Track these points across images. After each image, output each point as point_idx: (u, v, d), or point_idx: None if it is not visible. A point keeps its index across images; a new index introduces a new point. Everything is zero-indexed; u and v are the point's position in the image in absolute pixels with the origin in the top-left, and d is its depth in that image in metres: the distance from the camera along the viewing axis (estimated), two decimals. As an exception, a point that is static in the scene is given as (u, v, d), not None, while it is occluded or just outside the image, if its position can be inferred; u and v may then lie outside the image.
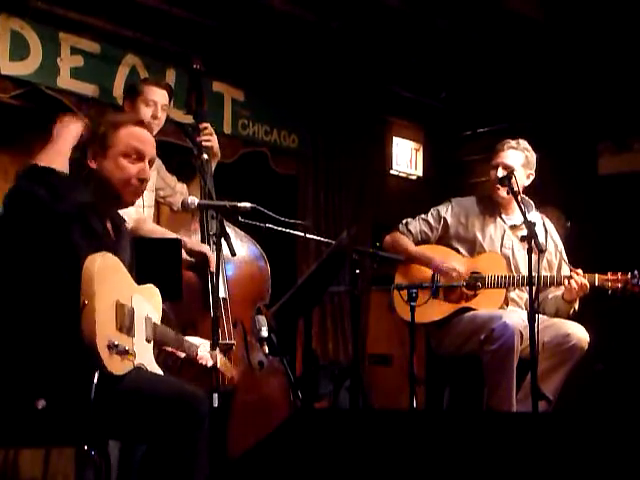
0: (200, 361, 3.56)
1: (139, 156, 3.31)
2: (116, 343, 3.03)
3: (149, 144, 3.37)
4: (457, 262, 4.92)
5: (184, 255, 4.37)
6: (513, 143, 4.95)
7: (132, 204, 3.44)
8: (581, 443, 3.14)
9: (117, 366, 3.05)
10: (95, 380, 2.98)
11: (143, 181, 3.33)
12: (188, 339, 3.57)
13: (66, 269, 3.05)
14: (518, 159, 4.92)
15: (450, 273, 4.87)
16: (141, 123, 3.42)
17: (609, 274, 4.72)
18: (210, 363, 3.59)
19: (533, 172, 4.98)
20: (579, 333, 4.69)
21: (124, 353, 3.08)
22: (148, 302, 3.30)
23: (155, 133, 4.57)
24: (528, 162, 4.95)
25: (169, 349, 3.52)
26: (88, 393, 2.98)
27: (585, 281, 4.70)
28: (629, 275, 4.68)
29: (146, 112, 4.65)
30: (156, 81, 4.84)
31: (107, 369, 3.00)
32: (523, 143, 4.96)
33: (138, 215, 4.43)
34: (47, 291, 3.07)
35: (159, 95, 4.73)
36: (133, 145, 3.29)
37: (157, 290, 3.42)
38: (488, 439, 3.25)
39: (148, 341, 3.29)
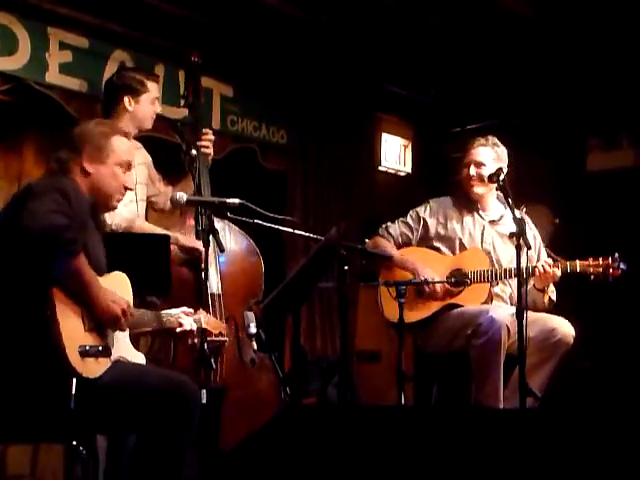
0: (183, 329, 3.57)
1: (128, 167, 3.51)
2: (87, 347, 3.08)
3: (133, 155, 3.61)
4: (438, 264, 4.92)
5: (177, 251, 4.37)
6: (482, 140, 5.01)
7: (114, 210, 3.64)
8: (569, 439, 3.15)
9: (92, 369, 3.11)
10: (73, 390, 3.01)
11: (127, 189, 3.53)
12: (166, 312, 3.59)
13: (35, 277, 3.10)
14: (488, 155, 4.97)
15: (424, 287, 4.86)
16: (127, 135, 3.61)
17: (590, 259, 4.73)
18: (194, 327, 3.61)
19: (505, 166, 4.99)
20: (564, 328, 4.71)
21: (98, 353, 3.12)
22: (115, 291, 3.32)
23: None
24: (498, 157, 4.99)
25: (147, 329, 3.54)
26: (68, 402, 3.01)
27: (550, 269, 4.70)
28: (610, 259, 4.70)
29: (151, 110, 4.61)
30: (154, 76, 4.79)
31: (83, 375, 3.05)
32: (492, 139, 5.02)
33: (130, 209, 4.44)
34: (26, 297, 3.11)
35: (159, 90, 4.74)
36: (125, 158, 3.50)
37: (124, 276, 3.47)
38: (476, 435, 3.25)
39: (124, 329, 3.32)
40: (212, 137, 4.78)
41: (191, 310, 3.67)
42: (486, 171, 4.85)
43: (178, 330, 3.58)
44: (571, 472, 3.07)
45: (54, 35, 5.21)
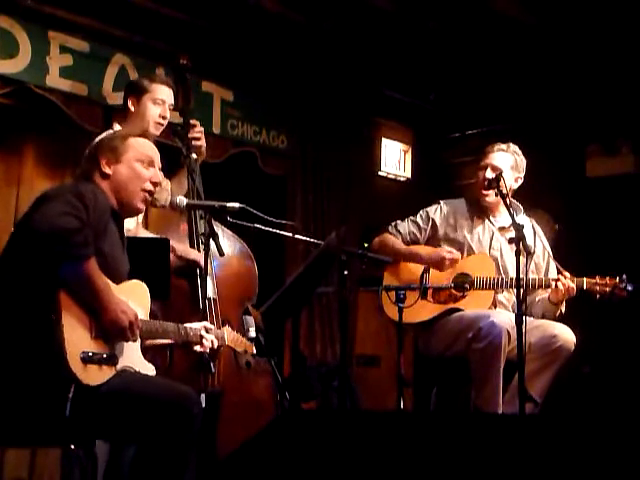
0: (205, 345, 3.55)
1: (150, 163, 3.48)
2: (91, 354, 3.05)
3: (157, 154, 3.54)
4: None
5: (172, 258, 4.35)
6: (503, 146, 4.95)
7: (141, 211, 3.59)
8: (568, 445, 3.14)
9: (94, 376, 3.07)
10: (70, 395, 3.00)
11: (156, 185, 3.49)
12: (187, 325, 3.56)
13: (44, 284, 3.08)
14: (507, 161, 4.92)
15: (442, 262, 4.86)
16: (145, 135, 3.60)
17: (597, 278, 4.71)
18: (216, 344, 3.59)
19: (522, 176, 4.97)
20: (565, 334, 4.70)
21: (102, 361, 3.09)
22: (131, 299, 3.29)
23: (159, 133, 4.60)
24: (517, 165, 4.95)
25: (162, 342, 3.53)
26: (64, 407, 2.99)
27: (572, 284, 4.70)
28: (617, 279, 4.67)
29: (154, 111, 4.55)
30: (164, 79, 4.71)
31: (83, 382, 3.02)
32: (513, 147, 4.97)
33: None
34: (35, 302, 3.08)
35: (167, 94, 4.62)
36: (146, 152, 3.48)
37: (143, 285, 3.43)
38: (475, 440, 3.25)
39: (133, 340, 3.29)
40: (200, 128, 4.77)
41: (212, 326, 3.65)
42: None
43: (199, 349, 3.56)
44: (570, 478, 3.07)
45: (55, 39, 5.23)
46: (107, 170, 3.40)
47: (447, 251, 4.90)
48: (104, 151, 3.44)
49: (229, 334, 3.75)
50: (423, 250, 4.97)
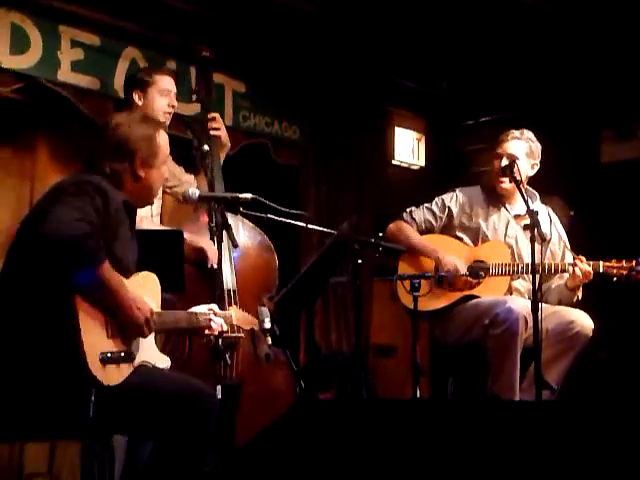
0: (214, 329, 3.54)
1: (165, 162, 3.51)
2: (109, 355, 3.06)
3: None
4: (459, 254, 4.90)
5: (187, 250, 4.35)
6: (517, 133, 4.94)
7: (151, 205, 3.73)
8: (584, 431, 3.13)
9: (113, 376, 3.08)
10: (92, 398, 3.00)
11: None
12: (194, 310, 3.55)
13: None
14: (521, 149, 4.92)
15: (448, 269, 4.83)
16: (156, 121, 3.67)
17: (613, 261, 4.71)
18: (225, 327, 3.58)
19: (538, 162, 4.97)
20: (583, 320, 4.69)
21: (120, 360, 3.09)
22: (141, 292, 3.28)
23: (168, 122, 4.61)
24: (532, 152, 4.94)
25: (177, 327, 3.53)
26: (87, 410, 3.00)
27: (589, 268, 4.69)
28: (634, 262, 4.67)
29: (162, 102, 4.59)
30: (167, 70, 4.78)
31: (103, 384, 3.02)
32: (527, 133, 4.96)
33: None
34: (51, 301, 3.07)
35: (171, 83, 4.67)
36: (167, 153, 3.50)
37: (153, 276, 3.43)
38: (492, 428, 3.24)
39: (144, 337, 3.29)
40: (219, 119, 4.79)
41: (218, 310, 3.62)
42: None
43: (207, 332, 3.54)
44: (588, 465, 3.05)
45: (65, 33, 5.23)
46: (141, 173, 3.37)
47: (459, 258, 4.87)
48: (141, 153, 3.37)
49: (236, 312, 3.72)
50: (436, 246, 4.93)
